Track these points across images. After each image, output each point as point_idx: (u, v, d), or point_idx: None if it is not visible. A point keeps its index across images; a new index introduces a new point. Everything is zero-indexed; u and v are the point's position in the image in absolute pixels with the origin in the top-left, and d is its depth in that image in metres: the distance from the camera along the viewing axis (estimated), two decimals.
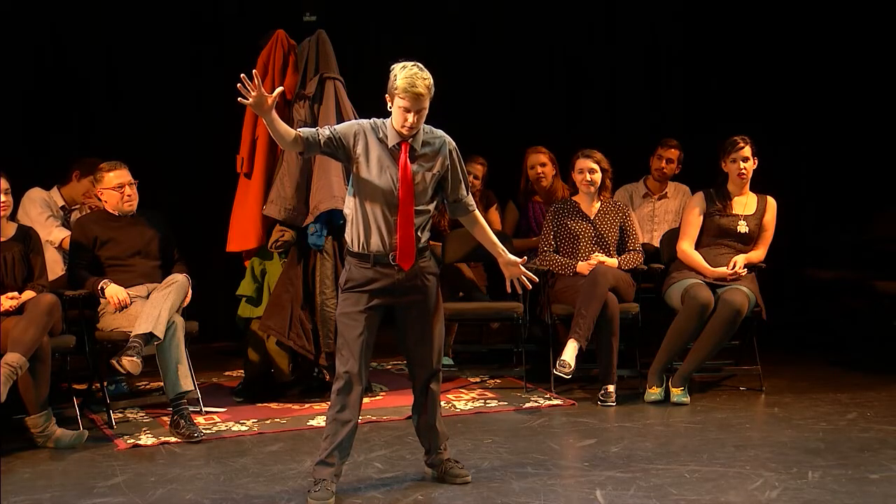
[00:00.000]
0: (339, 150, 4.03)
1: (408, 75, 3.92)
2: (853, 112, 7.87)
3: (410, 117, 3.95)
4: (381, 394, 5.95)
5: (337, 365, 4.07)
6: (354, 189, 4.05)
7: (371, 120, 4.10)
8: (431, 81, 3.96)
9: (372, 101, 6.20)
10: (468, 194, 4.23)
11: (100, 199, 5.58)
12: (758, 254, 5.87)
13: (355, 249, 4.05)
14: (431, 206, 4.13)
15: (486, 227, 4.30)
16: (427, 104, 3.97)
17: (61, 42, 7.17)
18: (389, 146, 4.02)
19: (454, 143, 4.15)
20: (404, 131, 3.99)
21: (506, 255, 4.27)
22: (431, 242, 6.42)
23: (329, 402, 4.08)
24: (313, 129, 4.04)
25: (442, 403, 5.56)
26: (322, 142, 4.00)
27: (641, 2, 8.27)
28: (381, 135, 4.04)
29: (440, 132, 4.14)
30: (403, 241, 4.00)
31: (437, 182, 4.11)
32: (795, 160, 7.92)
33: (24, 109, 7.02)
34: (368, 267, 4.03)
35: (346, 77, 5.85)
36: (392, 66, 3.99)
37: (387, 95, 4.01)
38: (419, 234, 4.06)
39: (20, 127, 6.96)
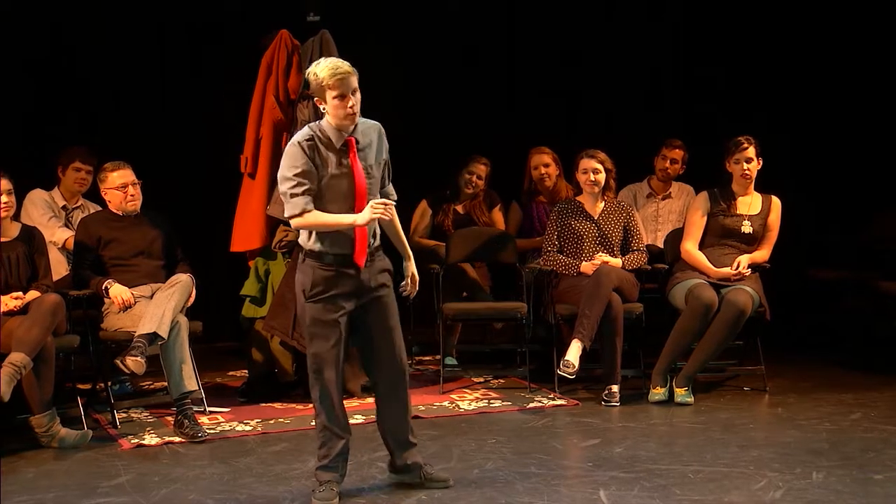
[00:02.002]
0: (316, 181, 3.94)
1: (327, 65, 3.88)
2: (856, 111, 7.85)
3: (350, 100, 3.88)
4: None
5: (311, 373, 4.00)
6: (314, 195, 3.96)
7: (304, 131, 3.98)
8: (351, 66, 3.92)
9: (374, 101, 6.24)
10: (389, 182, 4.20)
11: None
12: (762, 254, 5.86)
13: (316, 251, 3.97)
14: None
15: (398, 224, 4.21)
16: (357, 84, 3.91)
17: (64, 42, 7.16)
18: (337, 147, 3.95)
19: (382, 128, 4.11)
20: (348, 122, 3.91)
21: (411, 265, 4.22)
22: (436, 242, 6.52)
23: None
24: (307, 200, 3.89)
25: (445, 403, 5.60)
26: (312, 190, 3.91)
27: (646, 1, 8.28)
28: (323, 139, 3.95)
29: (369, 120, 4.08)
30: (360, 237, 3.94)
31: (382, 169, 4.09)
32: (798, 160, 7.90)
33: (27, 110, 7.02)
34: (331, 268, 3.96)
35: None
36: (307, 73, 3.97)
37: (315, 99, 3.97)
38: (370, 230, 4.01)
39: (23, 128, 6.96)
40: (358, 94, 3.92)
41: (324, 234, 3.96)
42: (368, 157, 4.02)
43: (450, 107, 7.58)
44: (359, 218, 3.89)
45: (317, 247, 3.97)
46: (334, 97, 3.88)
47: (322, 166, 3.93)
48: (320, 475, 4.03)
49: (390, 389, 4.14)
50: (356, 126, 3.99)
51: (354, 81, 3.90)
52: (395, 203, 4.10)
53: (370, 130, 4.06)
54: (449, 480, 4.17)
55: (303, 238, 4.03)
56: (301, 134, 3.97)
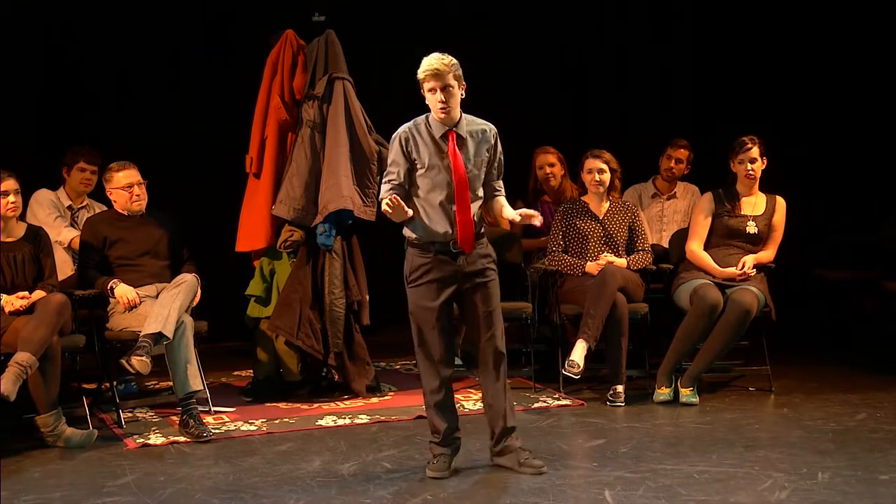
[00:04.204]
0: (410, 172, 4.22)
1: (425, 59, 4.16)
2: (866, 112, 7.85)
3: (438, 94, 4.12)
4: (390, 394, 5.95)
5: (416, 355, 4.30)
6: (414, 186, 4.22)
7: (412, 121, 4.25)
8: (451, 61, 4.14)
9: (380, 101, 6.25)
10: (498, 178, 4.39)
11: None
12: (767, 254, 5.86)
13: (416, 241, 4.21)
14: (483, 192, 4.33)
15: (504, 206, 4.40)
16: (451, 81, 4.14)
17: (71, 42, 7.19)
18: (437, 137, 4.17)
19: (496, 129, 4.33)
20: (440, 114, 4.15)
21: (512, 213, 4.34)
22: None
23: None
24: (388, 188, 4.19)
25: None
26: (404, 183, 4.20)
27: (650, 1, 8.27)
28: (426, 129, 4.20)
29: (482, 120, 4.32)
30: (463, 225, 4.15)
31: (486, 166, 4.27)
32: (807, 159, 7.90)
33: (35, 110, 7.04)
34: (430, 256, 4.18)
35: (355, 77, 5.86)
36: None
37: (421, 91, 4.19)
38: (475, 219, 4.21)
39: (31, 127, 6.99)
40: (451, 90, 4.15)
41: (421, 222, 4.19)
42: (467, 153, 4.22)
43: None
44: (388, 213, 4.11)
45: (414, 235, 4.24)
46: (427, 90, 4.17)
47: (418, 157, 4.19)
48: (433, 449, 4.34)
49: (489, 372, 4.34)
50: (460, 121, 4.23)
51: (446, 78, 4.13)
52: (497, 196, 4.39)
53: (478, 127, 4.29)
54: (543, 467, 4.29)
55: (406, 231, 4.27)
56: (404, 126, 4.25)
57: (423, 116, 4.26)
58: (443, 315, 4.24)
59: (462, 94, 4.21)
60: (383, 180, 4.27)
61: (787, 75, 8.07)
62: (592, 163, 5.95)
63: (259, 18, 7.13)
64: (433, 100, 4.16)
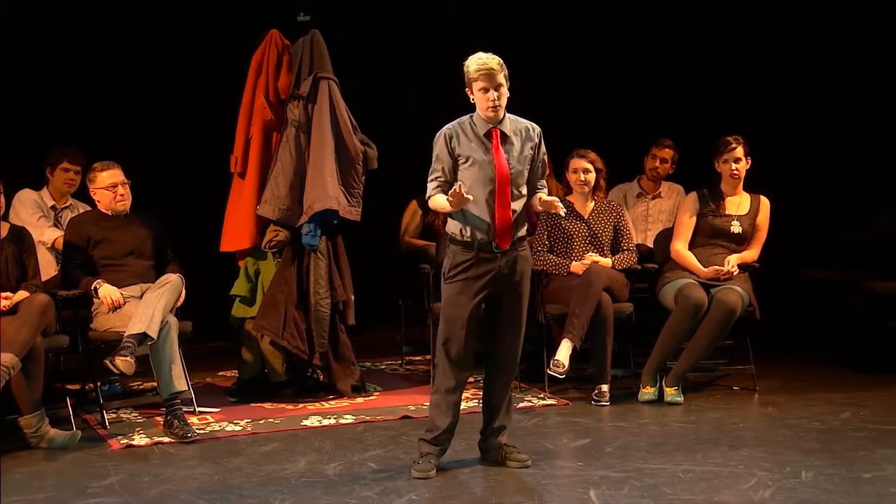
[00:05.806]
0: (454, 169, 4.26)
1: (476, 58, 4.18)
2: (852, 112, 7.87)
3: (491, 94, 4.17)
4: (375, 394, 5.95)
5: (438, 349, 4.31)
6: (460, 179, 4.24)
7: (456, 120, 4.31)
8: (500, 60, 4.21)
9: (365, 101, 6.24)
10: (542, 178, 4.42)
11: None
12: (751, 254, 5.88)
13: (459, 238, 4.24)
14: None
15: (533, 207, 4.43)
16: (503, 80, 4.19)
17: (61, 43, 7.17)
18: (481, 134, 4.21)
19: (540, 129, 4.36)
20: (490, 112, 4.19)
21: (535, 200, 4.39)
22: (427, 243, 6.52)
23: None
24: (435, 185, 4.26)
25: None
26: (449, 180, 4.24)
27: (643, 1, 8.28)
28: (470, 127, 4.24)
29: (526, 120, 4.35)
30: (501, 220, 4.18)
31: (529, 163, 4.30)
32: (794, 160, 7.92)
33: (25, 111, 7.01)
34: (472, 254, 4.21)
35: (340, 77, 5.85)
36: (464, 64, 4.22)
37: (466, 90, 4.23)
38: (517, 219, 4.23)
39: (20, 128, 6.95)
40: (503, 89, 4.20)
41: (463, 220, 4.22)
42: (512, 149, 4.25)
43: (441, 107, 7.55)
44: (451, 202, 4.13)
45: (458, 232, 4.28)
46: (479, 90, 4.19)
47: (462, 154, 4.23)
48: (422, 447, 4.34)
49: (498, 374, 4.44)
50: (504, 119, 4.27)
51: (499, 77, 4.18)
52: (545, 192, 4.38)
53: (521, 128, 4.33)
54: (528, 461, 4.38)
55: (449, 225, 4.33)
56: (449, 124, 4.30)
57: (468, 116, 4.29)
58: (474, 315, 4.25)
59: (507, 94, 4.26)
60: (431, 176, 4.28)
61: (779, 77, 8.08)
62: (577, 162, 5.96)
63: (244, 19, 7.10)
64: (484, 98, 4.18)
